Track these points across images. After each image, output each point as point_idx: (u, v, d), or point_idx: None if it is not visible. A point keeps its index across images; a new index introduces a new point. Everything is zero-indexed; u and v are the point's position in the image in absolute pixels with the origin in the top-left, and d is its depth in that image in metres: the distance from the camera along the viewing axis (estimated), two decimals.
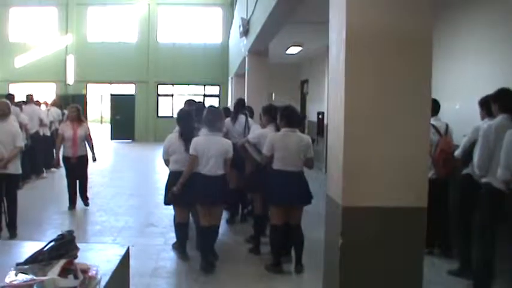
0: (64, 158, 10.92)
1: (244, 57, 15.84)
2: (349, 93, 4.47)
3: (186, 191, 7.14)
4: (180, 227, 7.69)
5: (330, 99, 5.12)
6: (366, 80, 4.49)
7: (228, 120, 10.32)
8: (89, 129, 11.06)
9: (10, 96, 14.01)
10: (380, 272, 4.53)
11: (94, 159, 11.25)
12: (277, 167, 7.03)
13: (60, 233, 3.23)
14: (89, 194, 11.55)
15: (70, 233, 3.26)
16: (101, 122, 33.75)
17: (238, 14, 18.03)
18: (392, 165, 4.46)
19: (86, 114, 29.25)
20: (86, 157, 11.02)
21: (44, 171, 15.50)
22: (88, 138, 10.97)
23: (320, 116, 18.10)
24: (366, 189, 4.48)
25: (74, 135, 10.61)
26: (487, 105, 6.79)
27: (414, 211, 4.50)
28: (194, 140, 7.13)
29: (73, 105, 11.58)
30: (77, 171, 10.88)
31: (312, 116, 19.92)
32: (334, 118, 4.87)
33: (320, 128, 17.83)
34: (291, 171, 7.00)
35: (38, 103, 16.01)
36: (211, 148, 7.00)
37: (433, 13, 4.58)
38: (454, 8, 8.78)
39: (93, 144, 11.21)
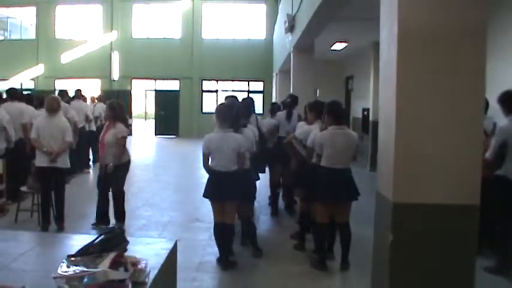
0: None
1: (289, 54, 15.77)
2: (400, 89, 4.40)
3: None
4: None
5: (380, 94, 5.04)
6: (417, 76, 4.40)
7: (282, 115, 10.38)
8: (122, 132, 8.73)
9: (63, 93, 14.29)
10: (431, 269, 4.43)
11: (110, 169, 8.62)
12: (325, 165, 6.97)
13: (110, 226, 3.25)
14: (134, 189, 11.55)
15: (120, 226, 3.27)
16: (145, 118, 33.96)
17: (283, 10, 17.99)
18: (444, 162, 4.37)
19: (131, 109, 29.65)
20: (119, 167, 8.74)
21: (92, 166, 15.73)
22: (119, 141, 8.68)
23: (365, 113, 17.91)
24: (417, 185, 4.39)
25: (102, 138, 8.78)
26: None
27: (466, 209, 4.39)
28: (206, 138, 7.14)
29: (109, 102, 9.53)
30: (108, 182, 8.84)
31: (357, 113, 19.75)
32: (385, 114, 4.79)
33: (365, 124, 17.65)
34: (338, 168, 6.93)
35: (84, 99, 16.22)
36: (223, 145, 6.97)
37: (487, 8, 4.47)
38: (504, 4, 8.59)
39: (121, 152, 8.74)
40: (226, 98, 9.15)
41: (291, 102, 10.64)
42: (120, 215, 8.77)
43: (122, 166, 8.80)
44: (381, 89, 5.00)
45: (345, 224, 7.14)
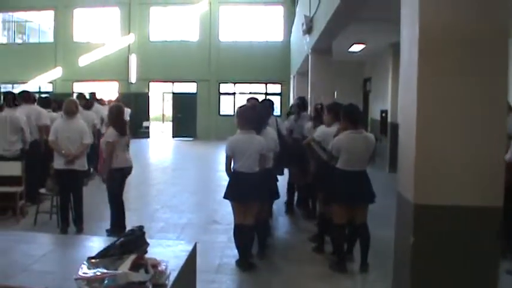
0: None
1: (307, 55, 15.72)
2: (421, 90, 4.36)
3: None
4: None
5: (400, 96, 5.01)
6: (438, 77, 4.36)
7: (291, 118, 10.45)
8: (107, 136, 8.34)
9: (81, 95, 14.34)
10: (453, 271, 4.39)
11: (102, 179, 8.67)
12: (342, 167, 6.94)
13: (130, 228, 3.25)
14: (153, 191, 11.47)
15: (140, 228, 3.27)
16: (163, 121, 34.01)
17: (300, 11, 17.95)
18: (465, 164, 4.33)
19: (149, 112, 29.78)
20: (110, 173, 8.38)
21: None
22: (105, 146, 8.29)
23: (383, 114, 17.83)
24: (439, 187, 4.35)
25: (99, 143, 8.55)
26: None
27: (488, 210, 4.34)
28: (230, 140, 7.17)
29: (112, 104, 9.38)
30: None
31: (375, 114, 19.66)
32: (406, 115, 4.76)
33: (383, 126, 17.56)
34: (355, 170, 6.90)
35: (103, 102, 16.27)
36: (247, 147, 7.00)
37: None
38: None
39: (108, 162, 8.29)
40: (248, 100, 9.18)
41: (299, 105, 10.72)
42: (115, 226, 8.44)
43: (110, 172, 8.37)
44: (401, 91, 4.97)
45: (363, 226, 7.09)
